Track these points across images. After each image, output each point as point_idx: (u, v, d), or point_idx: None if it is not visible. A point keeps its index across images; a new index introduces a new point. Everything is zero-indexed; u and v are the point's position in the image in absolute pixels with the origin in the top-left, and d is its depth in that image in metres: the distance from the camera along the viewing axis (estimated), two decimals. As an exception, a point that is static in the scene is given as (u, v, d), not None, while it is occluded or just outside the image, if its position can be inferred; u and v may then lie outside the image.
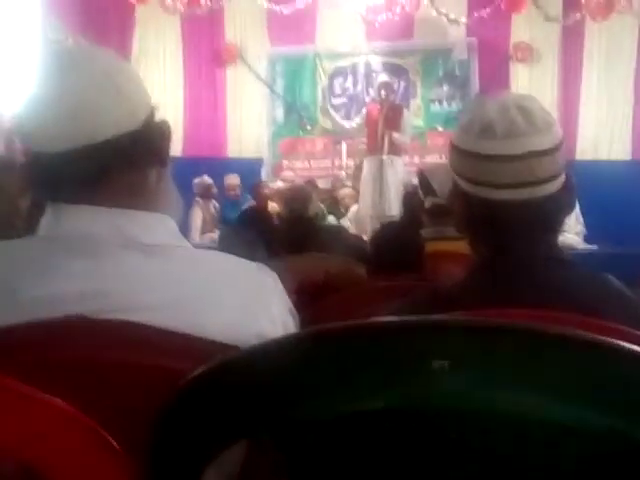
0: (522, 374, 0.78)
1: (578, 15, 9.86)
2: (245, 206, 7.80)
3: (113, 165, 1.17)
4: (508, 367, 0.78)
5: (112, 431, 0.90)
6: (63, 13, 8.66)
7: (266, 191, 9.31)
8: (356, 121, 8.97)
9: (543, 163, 1.35)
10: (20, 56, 7.19)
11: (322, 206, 7.94)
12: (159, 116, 1.26)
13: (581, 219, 8.03)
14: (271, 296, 1.20)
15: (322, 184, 9.97)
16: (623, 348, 0.75)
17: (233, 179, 9.59)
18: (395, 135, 8.43)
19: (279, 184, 9.57)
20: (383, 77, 9.83)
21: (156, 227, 1.20)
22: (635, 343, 0.76)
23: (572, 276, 1.38)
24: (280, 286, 1.24)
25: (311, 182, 9.39)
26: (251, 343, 0.98)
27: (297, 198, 4.42)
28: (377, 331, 0.84)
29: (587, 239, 8.14)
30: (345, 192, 9.59)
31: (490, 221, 1.41)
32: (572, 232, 7.77)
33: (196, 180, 9.12)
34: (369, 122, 8.70)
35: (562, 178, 1.40)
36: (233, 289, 1.17)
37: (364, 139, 8.96)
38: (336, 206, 9.26)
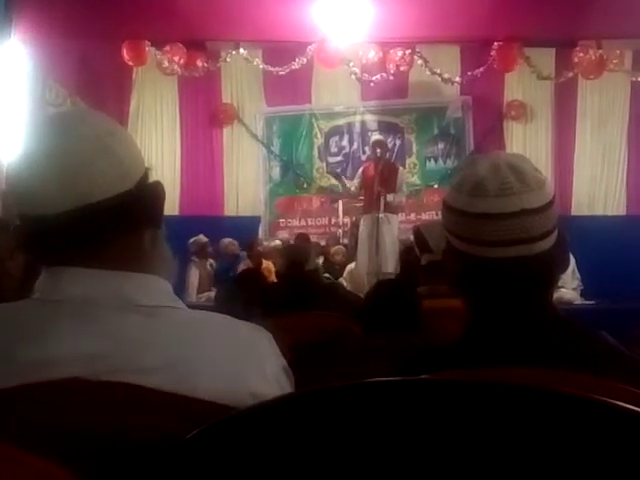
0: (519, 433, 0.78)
1: (570, 73, 9.99)
2: (241, 266, 7.79)
3: (106, 227, 1.17)
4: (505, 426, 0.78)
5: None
6: (61, 76, 8.74)
7: (261, 249, 9.33)
8: (354, 183, 8.96)
9: (536, 220, 1.35)
10: (18, 119, 7.26)
11: (319, 262, 7.94)
12: (156, 175, 1.27)
13: (578, 274, 8.04)
14: (265, 356, 1.20)
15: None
16: (616, 406, 0.75)
17: (230, 244, 9.58)
18: (389, 196, 8.44)
19: (276, 242, 9.58)
20: (376, 135, 9.92)
21: (152, 289, 1.20)
22: (629, 400, 0.76)
23: (566, 334, 1.37)
24: (275, 346, 1.24)
25: (302, 236, 9.44)
26: (246, 403, 0.98)
27: (297, 253, 4.43)
28: (373, 391, 0.84)
29: (584, 294, 8.12)
30: (336, 249, 9.66)
31: (483, 279, 1.41)
32: (569, 287, 7.77)
33: (192, 240, 9.11)
34: (365, 181, 8.73)
35: (555, 235, 1.40)
36: (227, 350, 1.17)
37: (361, 197, 8.95)
38: (330, 264, 9.27)
